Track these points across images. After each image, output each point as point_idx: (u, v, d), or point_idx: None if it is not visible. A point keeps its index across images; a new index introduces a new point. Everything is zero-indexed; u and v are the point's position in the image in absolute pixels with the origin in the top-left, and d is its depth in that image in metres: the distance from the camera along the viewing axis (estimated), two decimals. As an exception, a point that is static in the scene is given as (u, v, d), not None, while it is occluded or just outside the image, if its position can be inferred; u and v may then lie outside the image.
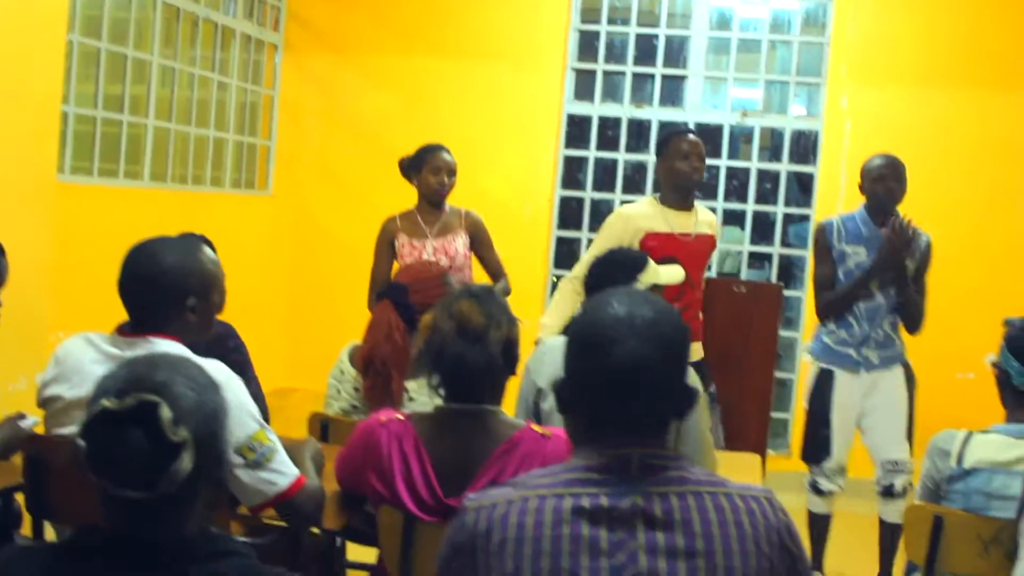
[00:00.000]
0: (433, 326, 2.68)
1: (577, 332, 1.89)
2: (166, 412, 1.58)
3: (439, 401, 2.71)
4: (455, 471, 2.60)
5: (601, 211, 7.25)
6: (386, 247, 5.14)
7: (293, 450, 2.83)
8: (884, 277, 4.71)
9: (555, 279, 7.23)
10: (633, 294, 1.90)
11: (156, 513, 1.62)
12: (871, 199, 4.80)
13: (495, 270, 5.29)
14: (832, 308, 4.83)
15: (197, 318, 2.72)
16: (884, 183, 4.74)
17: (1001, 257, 6.54)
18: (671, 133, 4.98)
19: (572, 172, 7.24)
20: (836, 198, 6.62)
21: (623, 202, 7.07)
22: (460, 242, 5.11)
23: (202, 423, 1.64)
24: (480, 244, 5.25)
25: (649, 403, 1.82)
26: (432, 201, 5.13)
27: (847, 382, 4.83)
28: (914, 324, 4.87)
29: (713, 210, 5.72)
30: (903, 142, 6.50)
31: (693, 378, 3.61)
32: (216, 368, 2.63)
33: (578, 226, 7.20)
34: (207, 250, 2.79)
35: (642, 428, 1.82)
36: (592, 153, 7.18)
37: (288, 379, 5.83)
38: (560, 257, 7.23)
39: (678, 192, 4.79)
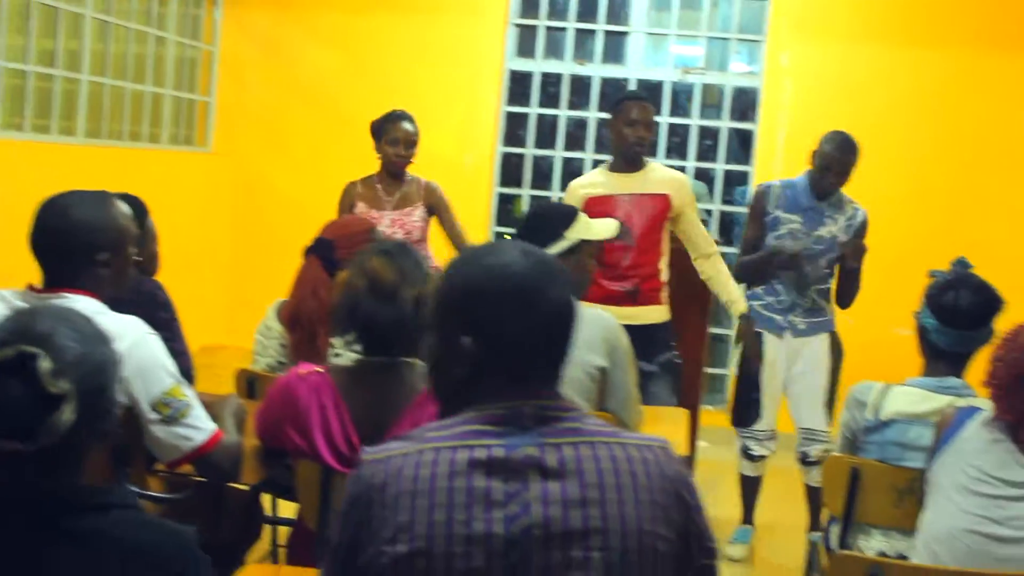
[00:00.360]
0: (347, 283, 2.68)
1: (486, 291, 1.79)
2: (45, 363, 1.58)
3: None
4: (373, 423, 2.61)
5: (542, 168, 7.25)
6: (347, 212, 5.12)
7: (213, 406, 2.83)
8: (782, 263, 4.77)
9: (507, 237, 7.22)
10: (505, 243, 1.87)
11: (40, 466, 1.61)
12: (814, 175, 4.76)
13: (456, 239, 5.23)
14: (743, 272, 4.90)
15: (111, 273, 2.70)
16: (826, 175, 4.70)
17: (940, 212, 6.61)
18: (625, 96, 4.97)
19: (513, 129, 7.22)
20: (774, 155, 6.66)
21: (564, 159, 7.10)
22: (418, 214, 5.10)
23: (87, 375, 1.63)
24: (440, 213, 5.21)
25: (568, 348, 1.83)
26: (391, 172, 5.11)
27: (773, 345, 4.85)
28: (848, 299, 4.91)
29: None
30: (842, 99, 6.56)
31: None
32: (132, 324, 2.62)
33: (519, 183, 7.20)
34: (120, 204, 2.77)
35: (538, 379, 1.83)
36: (534, 110, 7.17)
37: (227, 337, 5.80)
38: (502, 214, 7.23)
39: (621, 157, 4.81)
